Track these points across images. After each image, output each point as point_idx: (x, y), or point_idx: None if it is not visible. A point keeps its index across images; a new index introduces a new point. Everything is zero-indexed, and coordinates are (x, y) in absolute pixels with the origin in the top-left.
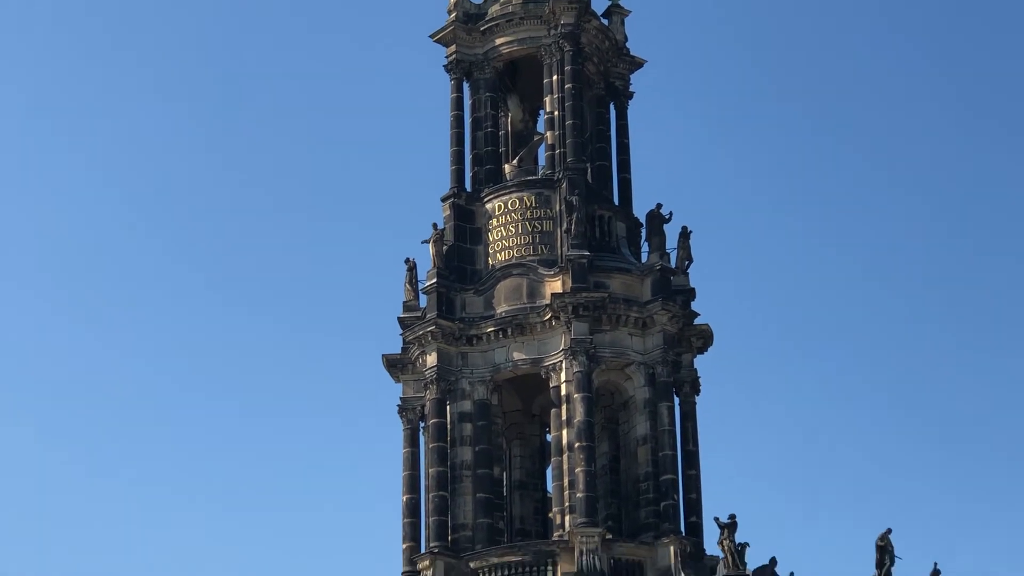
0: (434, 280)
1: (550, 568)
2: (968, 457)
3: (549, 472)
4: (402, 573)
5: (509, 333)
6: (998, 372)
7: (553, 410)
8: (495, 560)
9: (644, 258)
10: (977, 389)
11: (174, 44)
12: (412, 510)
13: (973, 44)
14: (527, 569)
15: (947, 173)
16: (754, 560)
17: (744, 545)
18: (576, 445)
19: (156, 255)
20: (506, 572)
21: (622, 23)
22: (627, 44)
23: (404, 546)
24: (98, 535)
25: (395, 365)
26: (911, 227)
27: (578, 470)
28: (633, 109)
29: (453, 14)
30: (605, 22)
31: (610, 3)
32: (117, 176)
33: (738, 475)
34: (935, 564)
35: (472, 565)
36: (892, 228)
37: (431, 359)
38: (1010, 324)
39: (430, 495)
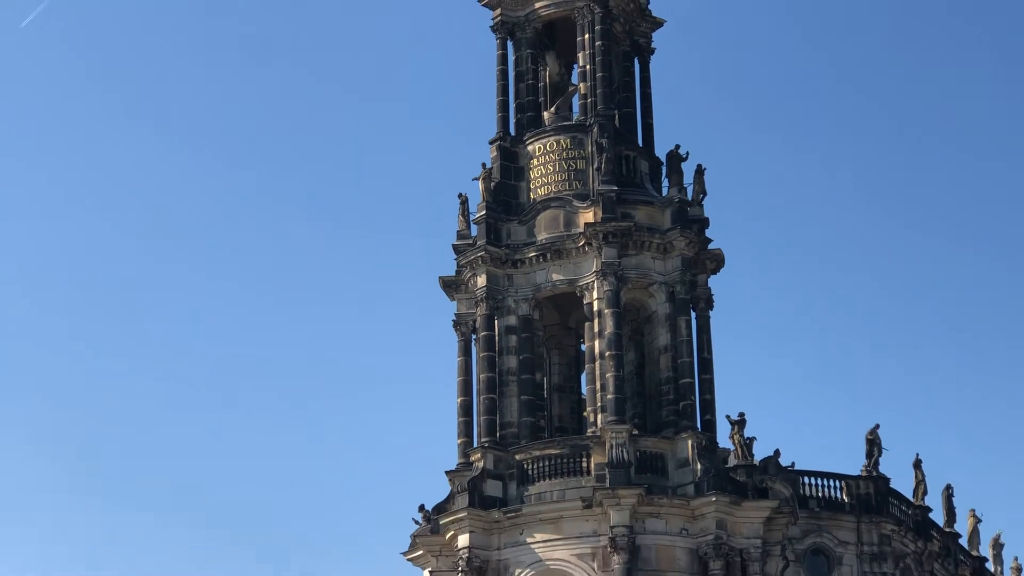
0: (483, 212)
1: (584, 459)
2: (949, 363)
3: (583, 377)
4: (457, 464)
5: (548, 257)
6: (987, 282)
7: (587, 323)
8: (537, 453)
9: (664, 192)
10: (962, 299)
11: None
12: (465, 411)
13: None
14: (565, 461)
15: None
16: (760, 452)
17: (752, 439)
18: (606, 354)
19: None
20: (546, 463)
21: None
22: (649, 6)
23: (459, 441)
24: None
25: (450, 286)
26: (904, 150)
27: (608, 375)
28: (654, 63)
29: None
30: None
31: None
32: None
33: (747, 379)
34: (917, 455)
35: (518, 457)
36: (887, 153)
37: (481, 280)
38: (1005, 237)
39: (481, 397)
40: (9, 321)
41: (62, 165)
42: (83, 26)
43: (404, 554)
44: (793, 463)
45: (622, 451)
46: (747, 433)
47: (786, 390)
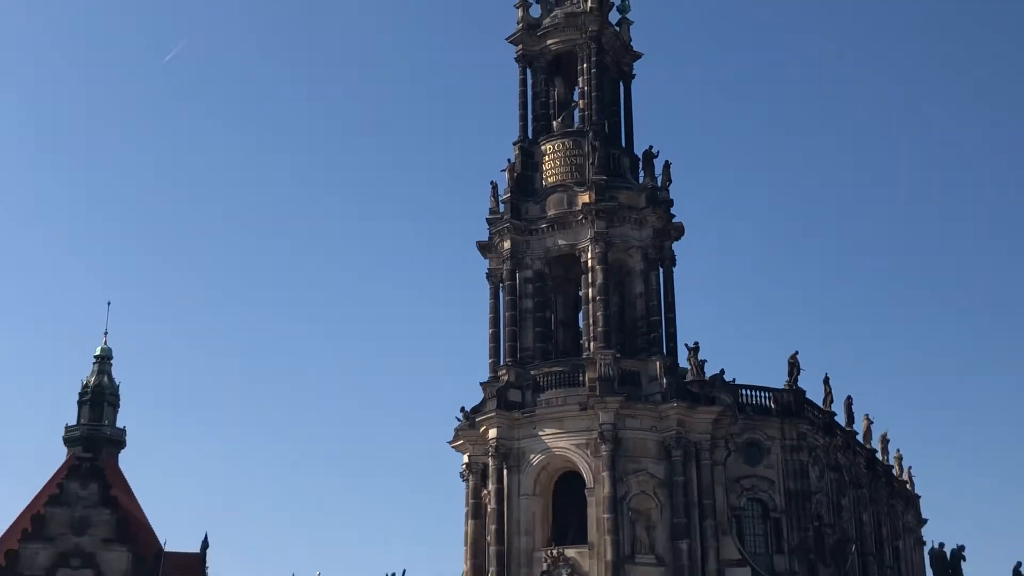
0: (508, 195)
1: (581, 375)
2: (854, 305)
3: (580, 315)
4: (488, 377)
5: (555, 228)
6: (913, 231)
7: (583, 276)
8: (546, 370)
9: (640, 180)
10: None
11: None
12: (495, 339)
13: None
14: (566, 375)
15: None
16: (710, 370)
17: (703, 361)
18: (597, 298)
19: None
20: (553, 377)
21: (628, 28)
22: (631, 43)
23: (490, 361)
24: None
25: (484, 248)
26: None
27: (598, 314)
28: (635, 85)
29: (521, 24)
30: (617, 29)
31: (620, 16)
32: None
33: (701, 317)
34: (826, 374)
35: (532, 373)
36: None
37: (507, 244)
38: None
39: (506, 329)
40: None
41: (201, 186)
42: (216, 62)
43: (449, 443)
44: (734, 379)
45: (608, 369)
46: (700, 356)
47: (730, 325)
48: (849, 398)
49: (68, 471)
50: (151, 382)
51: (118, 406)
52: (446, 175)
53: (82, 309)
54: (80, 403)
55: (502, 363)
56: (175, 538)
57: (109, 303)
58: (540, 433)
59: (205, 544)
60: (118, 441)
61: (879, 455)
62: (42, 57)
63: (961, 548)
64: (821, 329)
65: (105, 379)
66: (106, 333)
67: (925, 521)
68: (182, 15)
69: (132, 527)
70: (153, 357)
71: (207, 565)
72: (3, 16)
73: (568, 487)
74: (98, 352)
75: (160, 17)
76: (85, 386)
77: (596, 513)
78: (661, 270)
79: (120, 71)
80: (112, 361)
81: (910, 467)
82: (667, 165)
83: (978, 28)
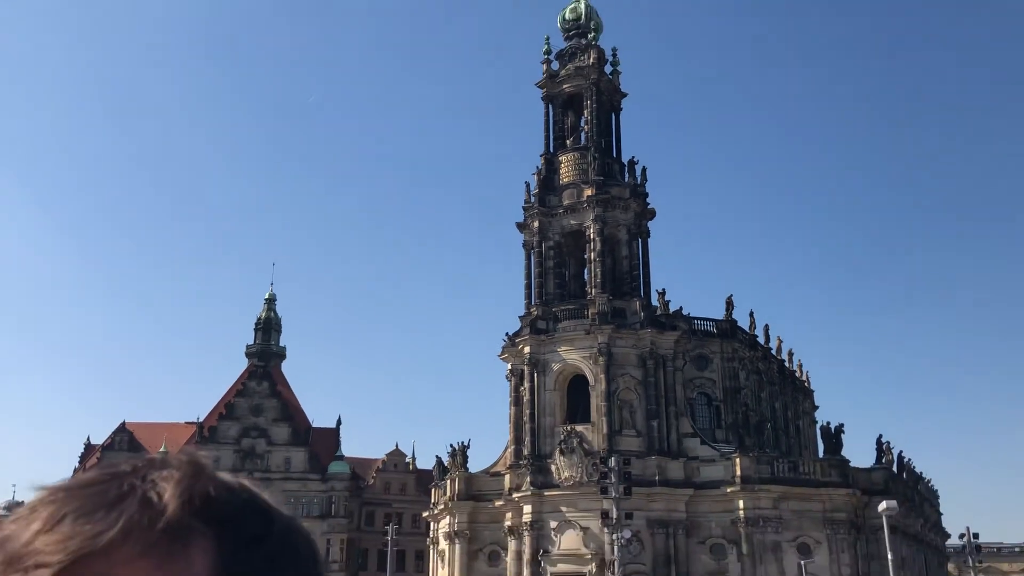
0: (537, 190)
1: (586, 311)
2: (779, 245)
3: (585, 271)
4: (524, 312)
5: (569, 213)
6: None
7: (587, 244)
8: (563, 307)
9: (626, 179)
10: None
11: None
12: (527, 287)
13: None
14: (576, 311)
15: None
16: (673, 307)
17: (668, 301)
18: (597, 260)
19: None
20: (567, 312)
21: (618, 76)
22: (620, 86)
23: (525, 302)
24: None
25: (520, 227)
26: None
27: (597, 270)
28: (623, 116)
29: (545, 75)
30: (611, 77)
31: (612, 68)
32: None
33: (667, 272)
34: (751, 310)
35: (553, 309)
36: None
37: (536, 224)
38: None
39: (535, 281)
40: None
41: (336, 177)
42: (354, 104)
43: (498, 356)
44: (689, 313)
45: (604, 307)
46: (666, 298)
47: (688, 277)
48: (767, 325)
49: (248, 374)
50: (302, 315)
51: (281, 331)
52: (498, 180)
53: (256, 267)
54: (255, 330)
55: (533, 303)
56: (319, 418)
57: (274, 263)
58: (558, 349)
59: (339, 422)
60: (281, 355)
61: (787, 363)
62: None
63: (841, 426)
64: (751, 276)
65: (272, 314)
66: (272, 284)
67: (817, 407)
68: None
69: (291, 410)
70: (302, 299)
71: (340, 436)
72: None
73: (577, 385)
74: (267, 296)
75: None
76: (258, 319)
77: (596, 402)
78: (640, 240)
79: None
80: (276, 302)
81: (807, 371)
82: (644, 169)
83: None
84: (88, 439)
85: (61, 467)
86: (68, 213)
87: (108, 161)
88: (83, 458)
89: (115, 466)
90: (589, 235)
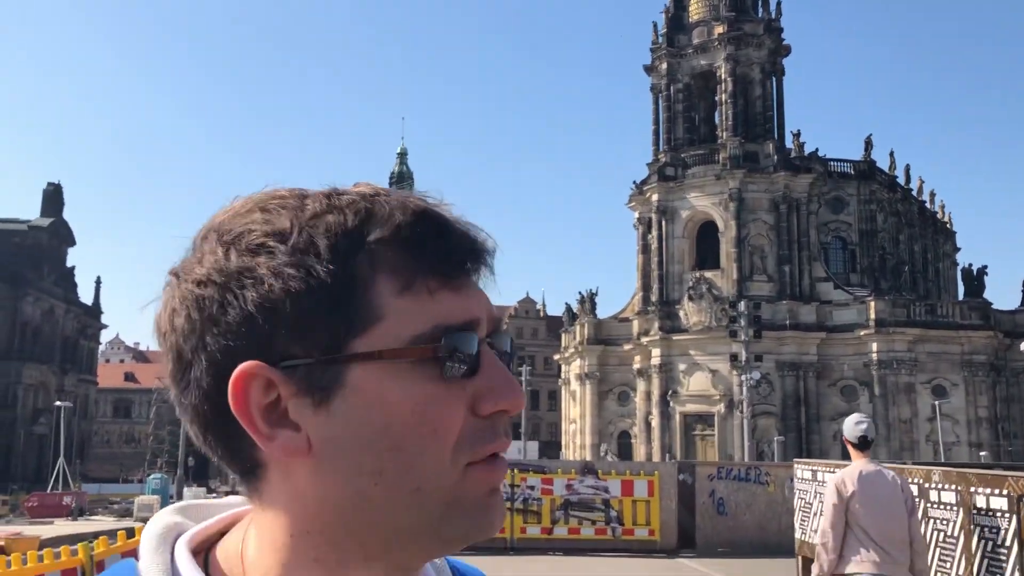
0: (665, 30)
1: (716, 155)
2: None
3: (716, 114)
4: (651, 160)
5: (698, 52)
6: None
7: (718, 86)
8: (692, 152)
9: (759, 15)
10: None
11: None
12: (655, 133)
13: None
14: (706, 156)
15: None
16: (808, 149)
17: (803, 143)
18: (728, 101)
19: None
20: (696, 157)
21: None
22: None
23: (652, 148)
24: None
25: (648, 70)
26: None
27: (729, 112)
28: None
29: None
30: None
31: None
32: None
33: (803, 110)
34: (891, 149)
35: (682, 155)
36: None
37: (664, 66)
38: None
39: (663, 126)
40: None
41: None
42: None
43: (626, 204)
44: (825, 154)
45: (736, 150)
46: (801, 139)
47: (825, 117)
48: (908, 165)
49: None
50: (433, 166)
51: (413, 183)
52: (625, 21)
53: (388, 122)
54: (389, 183)
55: (661, 150)
56: None
57: (403, 118)
58: (687, 196)
59: None
60: None
61: (928, 204)
62: None
63: (984, 267)
64: (892, 113)
65: (404, 167)
66: (402, 138)
67: (959, 249)
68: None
69: None
70: (433, 151)
71: None
72: None
73: (706, 231)
74: (399, 150)
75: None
76: (392, 173)
77: (726, 248)
78: (774, 79)
79: None
80: (408, 156)
81: (950, 212)
82: (779, 2)
83: None
84: None
85: None
86: (198, 69)
87: (237, 20)
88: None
89: (417, 194)
90: (720, 75)
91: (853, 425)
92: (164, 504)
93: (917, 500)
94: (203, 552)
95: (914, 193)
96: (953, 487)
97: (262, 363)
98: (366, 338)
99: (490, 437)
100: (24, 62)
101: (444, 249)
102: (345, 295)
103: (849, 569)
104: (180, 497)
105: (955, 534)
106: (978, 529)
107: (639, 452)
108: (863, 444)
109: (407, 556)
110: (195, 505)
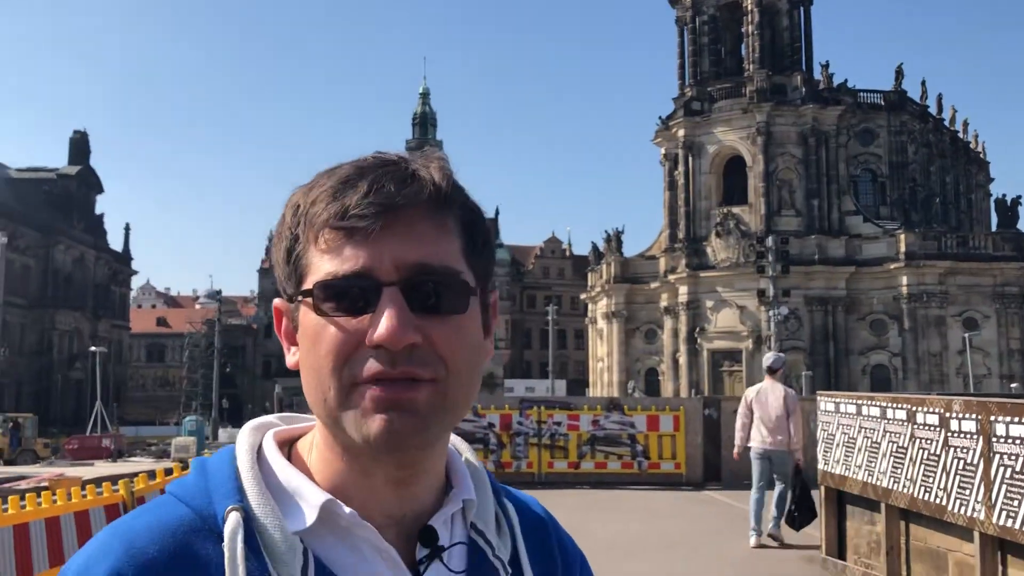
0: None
1: (743, 87)
2: None
3: (743, 46)
4: (677, 95)
5: None
6: None
7: (744, 17)
8: (717, 86)
9: None
10: None
11: None
12: (681, 67)
13: None
14: (732, 90)
15: None
16: (837, 80)
17: (832, 74)
18: (754, 33)
19: None
20: (723, 92)
21: None
22: None
23: (678, 82)
24: None
25: (672, 1)
26: None
27: (755, 44)
28: None
29: None
30: None
31: None
32: None
33: (831, 41)
34: (923, 78)
35: (708, 89)
36: None
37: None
38: None
39: (689, 59)
40: None
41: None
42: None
43: (651, 140)
44: (855, 85)
45: (763, 83)
46: (830, 71)
47: (854, 47)
48: (940, 95)
49: None
50: (456, 108)
51: (436, 125)
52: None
53: (410, 62)
54: (413, 124)
55: (687, 84)
56: None
57: (425, 57)
58: (714, 130)
59: (497, 212)
60: (438, 146)
61: (960, 135)
62: None
63: (1018, 198)
64: (924, 41)
65: (427, 108)
66: (424, 78)
67: (992, 180)
68: None
69: None
70: (456, 93)
71: (499, 225)
72: None
73: (733, 167)
74: (421, 90)
75: None
76: (415, 114)
77: (754, 183)
78: (801, 9)
79: None
80: (430, 96)
81: (984, 141)
82: None
83: None
84: (271, 232)
85: (250, 262)
86: (221, 9)
87: None
88: (267, 251)
89: (385, 155)
90: (746, 6)
91: (765, 358)
92: (200, 445)
93: (894, 425)
94: (287, 445)
95: (946, 123)
96: (973, 416)
97: (283, 300)
98: (303, 286)
99: (372, 363)
100: (46, 7)
101: (343, 207)
102: (294, 253)
103: (751, 444)
104: (216, 438)
105: (974, 461)
106: (997, 456)
107: (667, 389)
108: (770, 371)
109: (363, 459)
110: (290, 416)
